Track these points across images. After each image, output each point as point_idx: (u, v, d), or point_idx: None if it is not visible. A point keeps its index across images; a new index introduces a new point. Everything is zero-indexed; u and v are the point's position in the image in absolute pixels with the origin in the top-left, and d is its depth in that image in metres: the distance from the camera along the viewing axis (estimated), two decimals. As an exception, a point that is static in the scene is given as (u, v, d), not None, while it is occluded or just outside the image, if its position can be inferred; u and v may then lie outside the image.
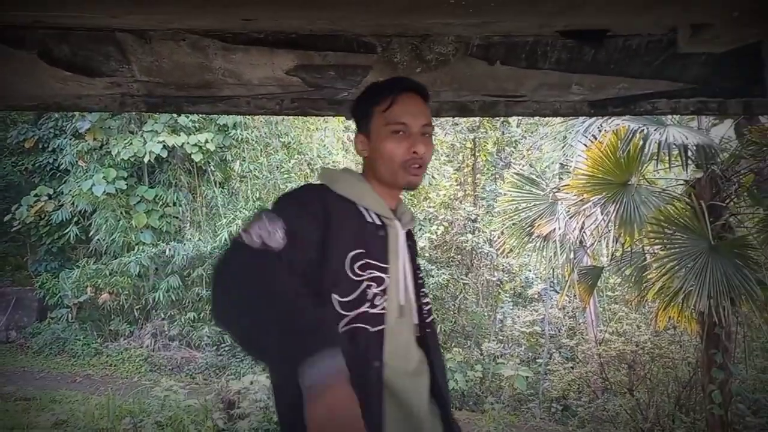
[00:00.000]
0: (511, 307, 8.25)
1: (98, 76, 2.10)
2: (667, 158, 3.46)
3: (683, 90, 2.25)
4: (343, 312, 1.24)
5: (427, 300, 1.44)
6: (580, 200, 4.10)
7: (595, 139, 3.81)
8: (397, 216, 1.40)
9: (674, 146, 3.38)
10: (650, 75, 2.15)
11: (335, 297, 1.24)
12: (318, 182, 1.38)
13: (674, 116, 3.53)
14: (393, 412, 1.25)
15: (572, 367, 6.10)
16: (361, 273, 1.26)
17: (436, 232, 8.47)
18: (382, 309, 1.28)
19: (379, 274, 1.29)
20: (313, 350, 0.97)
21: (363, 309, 1.25)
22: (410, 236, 1.46)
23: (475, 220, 9.04)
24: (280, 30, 1.93)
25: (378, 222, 1.34)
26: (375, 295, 1.27)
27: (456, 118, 8.51)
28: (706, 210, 3.44)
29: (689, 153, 3.51)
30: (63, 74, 2.07)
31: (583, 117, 3.92)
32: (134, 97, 2.29)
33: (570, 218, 4.31)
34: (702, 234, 3.38)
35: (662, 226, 3.49)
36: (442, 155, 9.94)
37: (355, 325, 1.24)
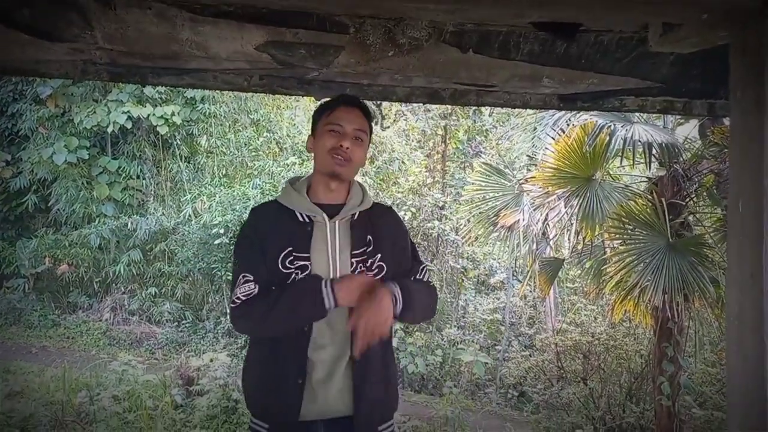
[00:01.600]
0: (473, 295, 8.36)
1: (59, 41, 2.01)
2: (631, 155, 3.53)
3: (651, 88, 2.29)
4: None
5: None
6: (545, 192, 4.15)
7: (563, 132, 3.86)
8: (346, 207, 1.72)
9: (639, 143, 3.45)
10: (620, 72, 2.18)
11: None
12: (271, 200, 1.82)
13: (641, 114, 3.59)
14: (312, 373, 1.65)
15: (530, 355, 6.23)
16: (289, 266, 1.63)
17: (403, 218, 8.48)
18: None
19: (303, 263, 1.63)
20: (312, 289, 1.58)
21: None
22: (360, 223, 1.73)
23: (442, 207, 9.08)
24: (251, 4, 1.88)
25: (306, 219, 1.69)
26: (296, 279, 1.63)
27: (426, 104, 8.50)
28: (666, 208, 3.53)
29: (654, 151, 3.59)
30: (23, 38, 1.98)
31: (553, 110, 3.95)
32: (97, 65, 2.21)
33: (534, 210, 4.37)
34: (661, 231, 3.47)
35: (623, 221, 3.57)
36: (413, 141, 9.93)
37: None
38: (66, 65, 2.19)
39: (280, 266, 1.63)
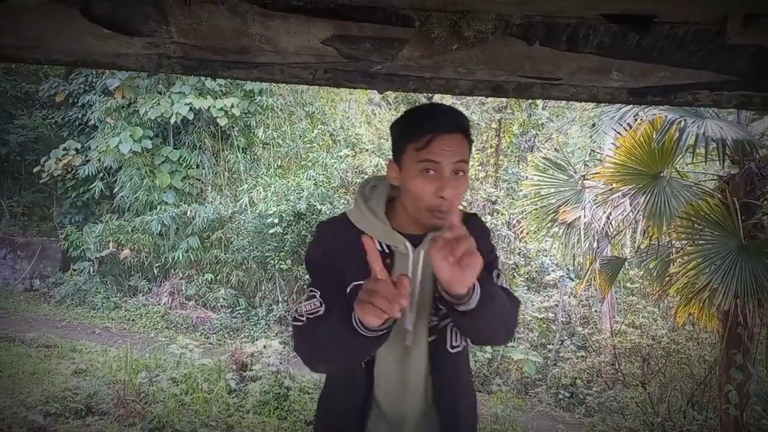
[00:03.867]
0: (524, 291, 8.23)
1: (137, 35, 2.09)
2: (703, 151, 3.37)
3: (727, 82, 2.18)
4: None
5: (439, 321, 1.42)
6: (609, 189, 4.02)
7: (630, 127, 3.72)
8: (425, 237, 1.41)
9: (712, 140, 3.29)
10: (694, 65, 2.09)
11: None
12: (341, 216, 1.51)
13: (714, 109, 3.42)
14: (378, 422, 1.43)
15: (584, 356, 6.07)
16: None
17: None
18: None
19: None
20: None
21: None
22: None
23: (495, 202, 8.97)
24: (320, -2, 1.91)
25: (385, 250, 1.40)
26: None
27: (489, 98, 8.40)
28: (738, 207, 3.36)
29: (727, 148, 3.42)
30: (103, 32, 2.06)
31: (618, 104, 3.83)
32: (171, 58, 2.28)
33: (597, 207, 4.23)
34: (733, 232, 3.30)
35: (692, 221, 3.42)
36: (466, 134, 9.78)
37: None
38: (142, 59, 2.28)
39: (348, 298, 1.35)
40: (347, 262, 1.38)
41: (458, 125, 1.42)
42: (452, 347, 1.43)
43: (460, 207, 1.49)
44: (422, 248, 1.40)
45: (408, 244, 1.40)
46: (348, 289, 1.38)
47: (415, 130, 1.37)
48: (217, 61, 2.21)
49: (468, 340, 1.47)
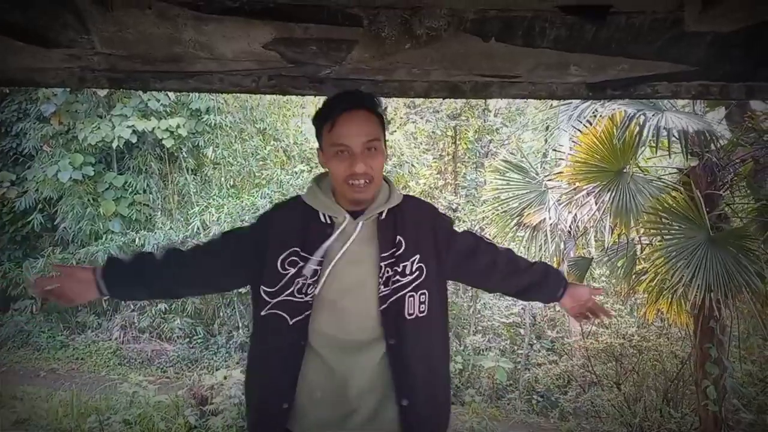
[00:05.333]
0: (490, 298, 8.19)
1: (55, 47, 1.89)
2: (667, 145, 3.36)
3: (685, 72, 2.14)
4: (267, 299, 1.49)
5: (392, 292, 1.49)
6: (573, 189, 3.98)
7: (590, 124, 3.69)
8: (371, 206, 1.53)
9: (673, 132, 3.28)
10: (652, 56, 2.03)
11: (263, 288, 1.50)
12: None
13: (671, 101, 3.42)
14: (316, 377, 1.47)
15: (556, 361, 6.02)
16: (288, 267, 1.48)
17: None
18: (311, 297, 1.47)
19: (302, 263, 1.47)
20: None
21: (285, 297, 1.47)
22: (388, 222, 1.54)
23: (455, 210, 8.95)
24: (258, -1, 1.75)
25: (328, 221, 1.52)
26: (304, 285, 1.47)
27: (441, 101, 8.40)
28: (702, 199, 3.35)
29: (688, 139, 3.41)
30: (16, 45, 1.86)
31: (574, 102, 3.79)
32: (95, 71, 2.08)
33: (561, 207, 4.19)
34: (700, 225, 3.28)
35: (660, 216, 3.40)
36: (421, 143, 9.81)
37: (275, 311, 1.48)
38: (62, 73, 2.07)
39: (278, 266, 1.48)
40: (286, 236, 1.52)
41: (360, 102, 1.52)
42: (409, 314, 1.48)
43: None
44: (362, 219, 1.51)
45: (347, 215, 1.51)
46: (281, 258, 1.49)
47: (323, 114, 1.53)
48: (148, 71, 2.01)
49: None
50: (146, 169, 9.25)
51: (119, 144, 8.53)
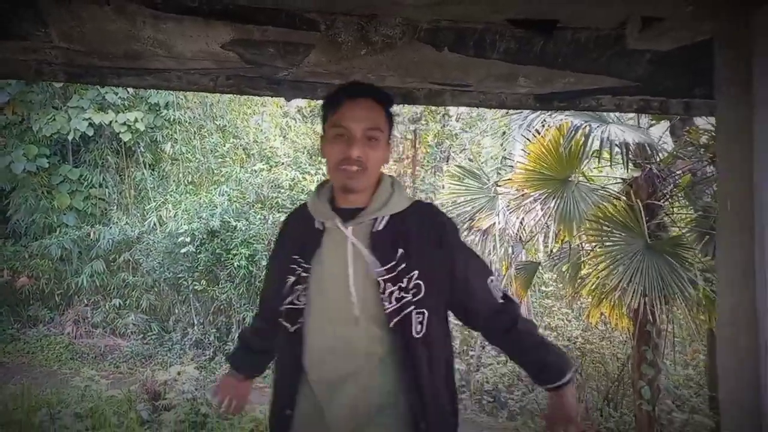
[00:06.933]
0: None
1: (10, 39, 1.89)
2: (609, 155, 3.52)
3: (627, 87, 2.27)
4: (278, 305, 1.48)
5: (400, 307, 1.37)
6: (521, 195, 4.12)
7: (539, 133, 3.83)
8: (366, 210, 1.44)
9: (616, 144, 3.44)
10: (596, 70, 2.15)
11: (270, 299, 1.55)
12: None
13: (617, 114, 3.59)
14: (307, 405, 1.46)
15: (504, 361, 6.17)
16: (288, 276, 1.45)
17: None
18: (303, 304, 1.43)
19: (302, 273, 1.43)
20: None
21: (286, 306, 1.45)
22: (388, 230, 1.42)
23: (414, 212, 9.01)
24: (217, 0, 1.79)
25: (321, 227, 1.46)
26: (298, 293, 1.43)
27: (400, 105, 8.47)
28: (642, 209, 3.52)
29: (629, 151, 3.59)
30: (-32, 36, 1.85)
31: (527, 111, 3.93)
32: (52, 65, 2.08)
33: (510, 213, 4.33)
34: (639, 233, 3.46)
35: (601, 223, 3.56)
36: (382, 146, 9.85)
37: (280, 319, 1.47)
38: (18, 65, 2.06)
39: (284, 274, 1.46)
40: (291, 245, 1.52)
41: (369, 91, 1.47)
42: (417, 333, 1.38)
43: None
44: (352, 224, 1.42)
45: (337, 220, 1.43)
46: (286, 266, 1.47)
47: (331, 99, 1.48)
48: (106, 67, 2.03)
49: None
50: (102, 162, 9.06)
51: (75, 136, 8.35)
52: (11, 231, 9.25)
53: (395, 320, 1.35)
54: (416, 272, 1.37)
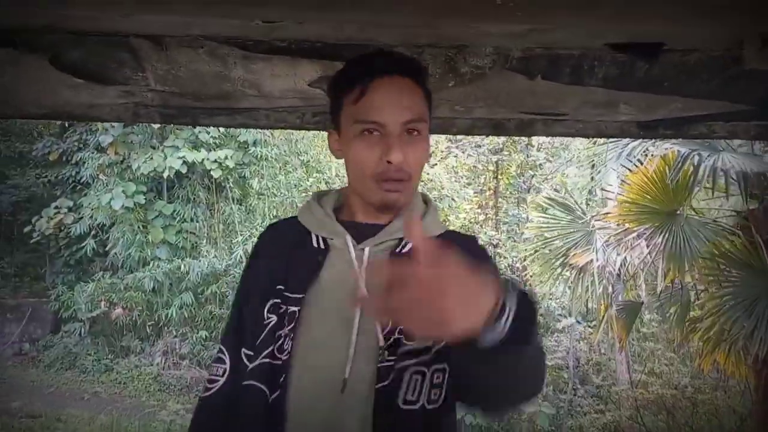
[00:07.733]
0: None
1: (111, 84, 1.96)
2: (724, 187, 3.22)
3: (743, 112, 2.06)
4: (246, 363, 1.01)
5: (396, 361, 0.95)
6: (623, 230, 3.84)
7: (641, 163, 3.58)
8: (387, 228, 1.05)
9: (731, 174, 3.14)
10: (707, 95, 1.96)
11: (243, 351, 1.02)
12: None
13: (726, 141, 3.30)
14: None
15: (602, 410, 5.70)
16: (270, 315, 1.00)
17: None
18: (286, 356, 0.96)
19: (291, 308, 0.99)
20: None
21: (264, 359, 0.98)
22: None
23: (496, 245, 8.80)
24: (305, 38, 1.79)
25: (321, 246, 1.05)
26: (282, 337, 0.97)
27: (487, 137, 8.36)
28: (764, 245, 3.18)
29: (747, 181, 3.27)
30: (74, 81, 1.94)
31: (624, 140, 3.69)
32: (148, 107, 2.15)
33: (610, 249, 4.04)
34: (762, 272, 3.11)
35: (717, 261, 3.23)
36: (462, 177, 9.77)
37: (252, 381, 0.98)
38: (118, 108, 2.14)
39: (265, 312, 1.01)
40: (274, 269, 1.05)
41: (403, 66, 1.04)
42: (405, 402, 0.94)
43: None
44: (368, 245, 1.02)
45: (349, 239, 1.03)
46: (269, 302, 1.02)
47: (347, 77, 1.05)
48: (198, 108, 2.07)
49: (461, 401, 0.97)
50: (194, 198, 9.49)
51: (170, 174, 8.81)
52: (110, 264, 9.82)
53: (386, 383, 0.96)
54: None
